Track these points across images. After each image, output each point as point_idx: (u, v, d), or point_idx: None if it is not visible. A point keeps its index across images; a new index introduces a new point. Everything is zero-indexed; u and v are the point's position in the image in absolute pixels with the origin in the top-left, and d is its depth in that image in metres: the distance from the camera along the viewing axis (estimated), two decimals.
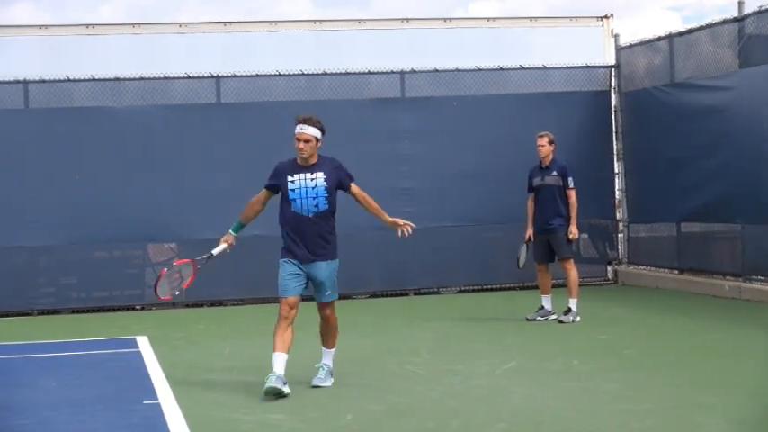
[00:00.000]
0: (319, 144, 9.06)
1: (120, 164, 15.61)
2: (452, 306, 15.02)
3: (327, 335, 9.29)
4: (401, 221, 9.34)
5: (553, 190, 12.77)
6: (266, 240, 15.85)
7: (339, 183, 9.08)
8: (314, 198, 8.95)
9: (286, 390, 8.67)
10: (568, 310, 12.77)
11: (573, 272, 12.81)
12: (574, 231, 12.72)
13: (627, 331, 12.16)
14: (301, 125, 9.04)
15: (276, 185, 9.11)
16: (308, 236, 8.93)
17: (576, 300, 12.78)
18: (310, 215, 8.96)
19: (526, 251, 12.94)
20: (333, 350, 9.35)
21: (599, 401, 8.29)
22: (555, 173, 12.79)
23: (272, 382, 8.62)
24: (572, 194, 12.74)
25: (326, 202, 8.99)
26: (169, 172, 15.74)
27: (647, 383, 8.95)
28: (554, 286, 13.12)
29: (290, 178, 9.00)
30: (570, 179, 12.75)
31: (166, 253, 16.33)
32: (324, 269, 9.02)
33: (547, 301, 12.92)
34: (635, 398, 8.37)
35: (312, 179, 8.96)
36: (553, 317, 12.78)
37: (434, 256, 16.33)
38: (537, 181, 12.93)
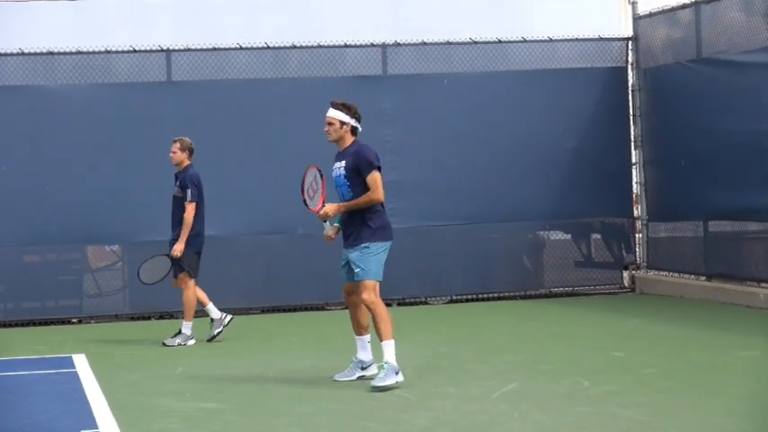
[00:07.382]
0: (345, 128, 9.97)
1: (54, 152, 15.51)
2: (443, 318, 15.02)
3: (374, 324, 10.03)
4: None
5: (178, 201, 13.08)
6: (221, 241, 15.88)
7: (357, 169, 9.95)
8: (339, 187, 10.11)
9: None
10: (178, 333, 13.15)
11: (186, 292, 13.15)
12: (176, 248, 12.98)
13: (646, 347, 12.17)
14: (329, 109, 10.07)
15: None
16: (346, 223, 10.11)
17: (189, 323, 13.15)
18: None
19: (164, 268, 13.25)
20: (385, 342, 9.97)
21: (614, 429, 8.27)
22: (177, 183, 13.11)
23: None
24: (188, 208, 12.91)
25: (350, 190, 10.03)
26: (112, 161, 15.65)
27: (670, 408, 8.94)
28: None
29: (334, 166, 10.17)
30: (189, 191, 12.95)
31: (108, 257, 16.27)
32: (351, 252, 10.13)
33: (186, 327, 13.20)
34: (656, 425, 8.36)
35: (339, 167, 10.08)
36: (191, 342, 13.11)
37: (422, 261, 16.30)
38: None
